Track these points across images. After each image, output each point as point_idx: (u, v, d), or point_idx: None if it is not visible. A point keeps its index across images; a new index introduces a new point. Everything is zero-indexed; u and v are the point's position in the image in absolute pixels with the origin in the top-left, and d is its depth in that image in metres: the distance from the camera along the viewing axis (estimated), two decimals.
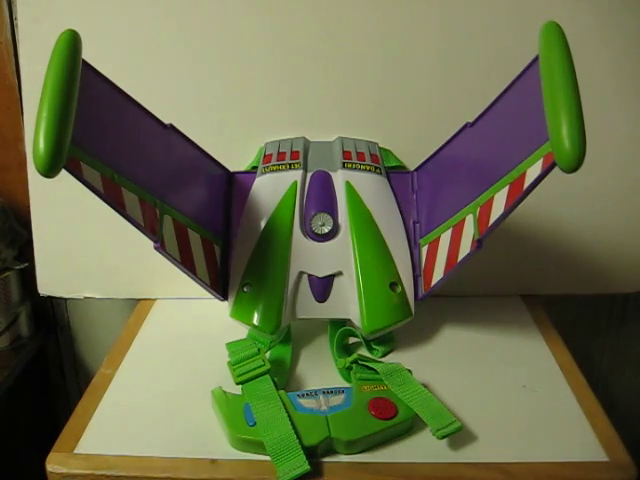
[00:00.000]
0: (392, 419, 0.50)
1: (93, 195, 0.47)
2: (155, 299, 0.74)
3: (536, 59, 0.49)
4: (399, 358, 0.61)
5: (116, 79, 0.53)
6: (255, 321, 0.59)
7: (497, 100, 0.56)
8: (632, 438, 0.55)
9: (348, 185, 0.63)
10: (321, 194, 0.63)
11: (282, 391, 0.52)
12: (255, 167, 0.67)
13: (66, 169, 0.44)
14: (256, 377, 0.53)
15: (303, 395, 0.52)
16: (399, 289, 0.60)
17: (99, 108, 0.51)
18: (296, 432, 0.47)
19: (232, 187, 0.66)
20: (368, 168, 0.65)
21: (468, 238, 0.55)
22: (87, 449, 0.50)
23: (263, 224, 0.62)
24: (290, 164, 0.64)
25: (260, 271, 0.60)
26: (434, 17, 0.67)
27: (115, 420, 0.54)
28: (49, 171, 0.42)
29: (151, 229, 0.53)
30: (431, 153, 0.65)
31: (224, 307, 0.61)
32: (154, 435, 0.51)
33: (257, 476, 0.47)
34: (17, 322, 0.83)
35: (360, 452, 0.49)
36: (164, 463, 0.49)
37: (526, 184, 0.48)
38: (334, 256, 0.61)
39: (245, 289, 0.60)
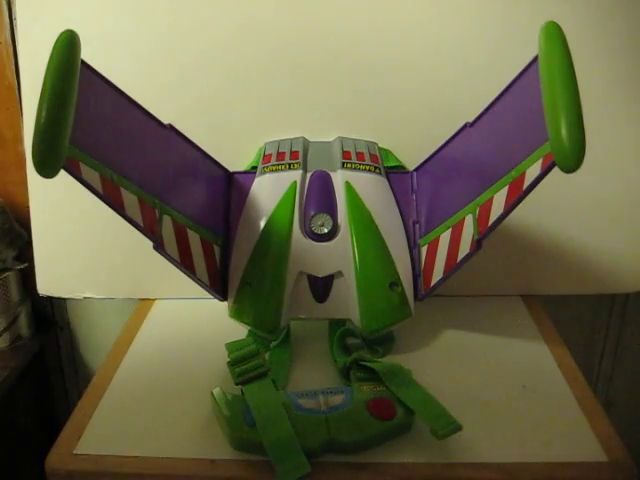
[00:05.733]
0: (392, 419, 0.49)
1: (93, 195, 0.47)
2: (155, 299, 0.74)
3: (536, 59, 0.49)
4: (399, 358, 0.61)
5: (115, 79, 0.53)
6: (254, 321, 0.59)
7: (497, 100, 0.56)
8: (632, 438, 0.55)
9: (348, 185, 0.63)
10: (321, 194, 0.63)
11: (282, 391, 0.52)
12: (255, 167, 0.67)
13: (65, 169, 0.44)
14: (256, 377, 0.53)
15: (303, 395, 0.51)
16: (399, 289, 0.60)
17: (98, 108, 0.51)
18: (296, 432, 0.47)
19: (231, 187, 0.66)
20: (368, 168, 0.65)
21: (468, 238, 0.55)
22: (87, 449, 0.50)
23: (263, 224, 0.62)
24: (290, 164, 0.64)
25: (259, 271, 0.60)
26: (434, 17, 0.67)
27: (115, 420, 0.54)
28: (48, 171, 0.42)
29: (150, 229, 0.53)
30: (431, 153, 0.65)
31: (223, 307, 0.61)
32: (154, 435, 0.51)
33: (256, 476, 0.47)
34: (17, 322, 0.83)
35: (360, 452, 0.49)
36: (164, 463, 0.49)
37: (526, 184, 0.48)
38: (334, 256, 0.61)
39: (245, 289, 0.60)
